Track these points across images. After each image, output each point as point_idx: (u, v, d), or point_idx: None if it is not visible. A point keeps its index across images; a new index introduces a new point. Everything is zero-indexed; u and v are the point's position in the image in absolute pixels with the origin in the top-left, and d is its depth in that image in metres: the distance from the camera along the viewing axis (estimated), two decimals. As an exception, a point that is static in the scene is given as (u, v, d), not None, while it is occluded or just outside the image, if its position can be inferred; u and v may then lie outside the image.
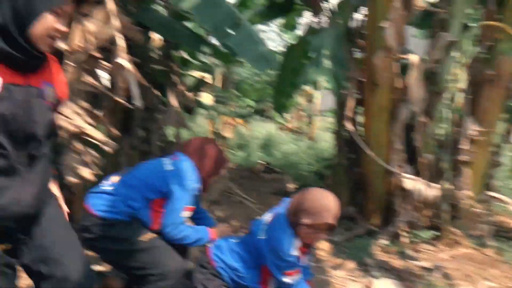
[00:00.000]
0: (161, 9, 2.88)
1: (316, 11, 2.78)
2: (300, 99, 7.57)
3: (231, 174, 3.35)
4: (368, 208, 2.80)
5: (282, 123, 7.89)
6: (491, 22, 2.49)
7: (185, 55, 3.71)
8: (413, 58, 2.50)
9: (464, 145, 2.60)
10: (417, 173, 2.63)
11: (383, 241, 2.55)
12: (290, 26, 4.38)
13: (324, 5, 2.94)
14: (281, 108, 3.24)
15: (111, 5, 2.07)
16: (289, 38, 5.15)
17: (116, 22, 2.05)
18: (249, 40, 2.16)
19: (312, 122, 7.46)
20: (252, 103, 7.97)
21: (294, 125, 7.85)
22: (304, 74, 2.21)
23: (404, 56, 2.50)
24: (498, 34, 2.50)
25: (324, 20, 2.95)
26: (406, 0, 2.20)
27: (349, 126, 2.62)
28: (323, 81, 2.22)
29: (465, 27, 2.68)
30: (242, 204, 3.02)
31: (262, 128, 7.62)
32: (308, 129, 7.70)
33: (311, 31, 3.02)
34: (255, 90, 8.25)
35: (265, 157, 5.19)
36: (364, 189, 2.82)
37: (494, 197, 2.87)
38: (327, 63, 2.16)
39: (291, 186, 3.75)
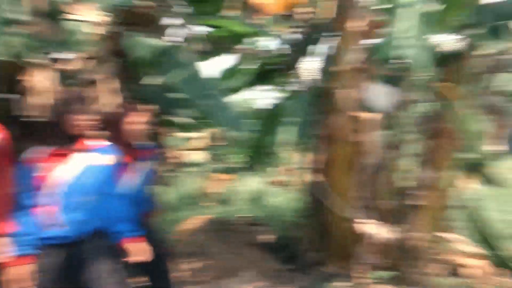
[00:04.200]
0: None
1: (294, 77, 3.21)
2: (292, 154, 7.82)
3: (206, 227, 3.57)
4: (332, 254, 3.03)
5: (271, 177, 8.12)
6: (444, 83, 2.88)
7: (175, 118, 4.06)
8: (370, 115, 2.87)
9: (420, 191, 2.92)
10: (377, 219, 2.92)
11: (346, 284, 2.79)
12: (280, 85, 4.75)
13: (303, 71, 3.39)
14: (257, 164, 3.57)
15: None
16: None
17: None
18: (219, 107, 2.54)
19: (302, 175, 7.62)
20: (242, 158, 8.21)
21: (283, 179, 8.05)
22: (275, 135, 2.57)
23: (363, 114, 2.87)
24: (448, 93, 2.89)
25: (301, 84, 3.39)
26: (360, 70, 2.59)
27: (314, 178, 2.95)
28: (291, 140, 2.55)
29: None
30: (214, 256, 3.21)
31: (251, 183, 7.85)
32: (297, 182, 7.85)
33: (291, 94, 3.43)
34: (248, 146, 8.47)
35: (249, 211, 5.35)
36: (328, 236, 3.07)
37: (450, 238, 3.15)
38: (295, 124, 2.52)
39: (267, 237, 3.94)
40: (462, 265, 3.08)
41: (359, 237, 2.89)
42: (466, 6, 2.23)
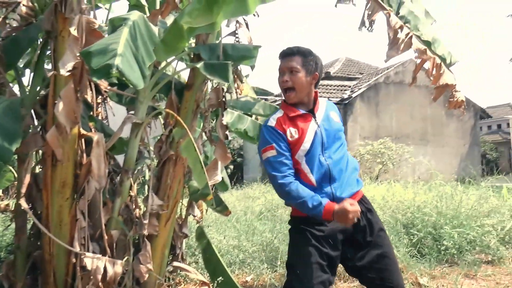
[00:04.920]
0: None
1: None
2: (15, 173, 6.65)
3: None
4: (49, 294, 2.54)
5: (-10, 202, 6.67)
6: (169, 110, 2.86)
7: None
8: (96, 135, 2.57)
9: (149, 220, 2.77)
10: (102, 250, 2.61)
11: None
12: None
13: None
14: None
15: None
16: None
17: None
18: None
19: (18, 199, 6.56)
20: None
21: (6, 203, 6.73)
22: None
23: (87, 133, 2.54)
24: (178, 121, 2.89)
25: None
26: (79, 79, 2.27)
27: (24, 204, 2.41)
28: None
29: (153, 109, 3.01)
30: None
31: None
32: (15, 208, 6.71)
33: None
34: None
35: None
36: (43, 273, 2.58)
37: (180, 267, 3.14)
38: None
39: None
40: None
41: (82, 272, 2.47)
42: (190, 38, 2.27)
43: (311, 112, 2.01)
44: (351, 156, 2.12)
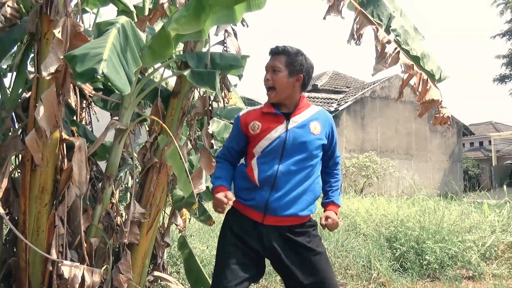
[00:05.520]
0: None
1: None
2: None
3: None
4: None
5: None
6: (154, 117, 2.82)
7: None
8: (78, 140, 2.52)
9: (130, 228, 2.71)
10: (81, 259, 2.54)
11: None
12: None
13: None
14: None
15: None
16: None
17: None
18: None
19: None
20: None
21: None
22: None
23: (68, 138, 2.49)
24: (163, 128, 2.85)
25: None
26: (62, 83, 2.22)
27: (0, 209, 2.33)
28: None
29: (138, 115, 2.97)
30: None
31: None
32: None
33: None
34: None
35: None
36: (18, 281, 2.49)
37: (161, 277, 3.08)
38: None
39: None
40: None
41: (58, 281, 2.41)
42: (177, 45, 2.25)
43: (287, 116, 1.97)
44: (319, 181, 2.02)
